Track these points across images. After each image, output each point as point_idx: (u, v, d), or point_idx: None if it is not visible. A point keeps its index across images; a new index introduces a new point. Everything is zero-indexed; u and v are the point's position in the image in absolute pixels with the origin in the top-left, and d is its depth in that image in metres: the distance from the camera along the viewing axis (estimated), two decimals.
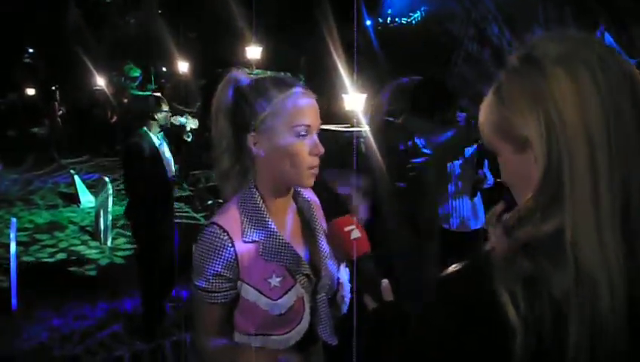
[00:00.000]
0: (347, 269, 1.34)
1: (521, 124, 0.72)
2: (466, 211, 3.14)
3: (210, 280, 1.20)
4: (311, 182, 1.25)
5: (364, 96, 4.58)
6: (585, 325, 0.66)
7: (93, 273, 5.20)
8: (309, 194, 1.41)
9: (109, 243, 5.88)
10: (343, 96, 4.96)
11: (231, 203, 1.28)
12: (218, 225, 1.21)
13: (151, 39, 12.40)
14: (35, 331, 3.85)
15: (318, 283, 1.28)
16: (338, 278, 1.35)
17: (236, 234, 1.21)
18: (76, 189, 7.59)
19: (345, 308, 1.37)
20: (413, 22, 11.21)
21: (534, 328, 0.65)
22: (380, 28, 11.76)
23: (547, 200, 0.70)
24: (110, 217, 5.97)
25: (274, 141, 1.21)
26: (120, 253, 5.67)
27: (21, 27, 14.01)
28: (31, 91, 14.60)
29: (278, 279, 1.21)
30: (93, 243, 5.98)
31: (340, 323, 1.35)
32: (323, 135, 1.29)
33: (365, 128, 3.17)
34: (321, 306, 1.27)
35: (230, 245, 1.19)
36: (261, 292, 1.20)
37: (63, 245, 5.95)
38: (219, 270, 1.19)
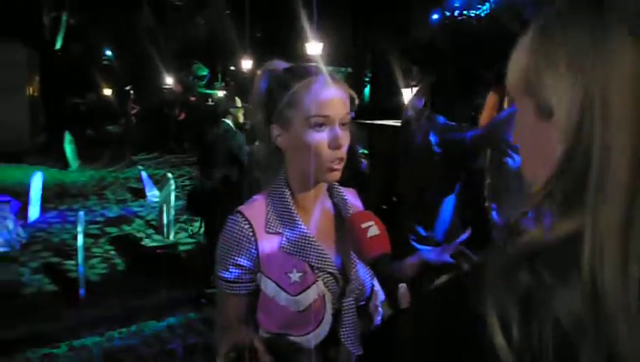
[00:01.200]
0: None
1: (551, 86, 0.55)
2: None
3: (231, 270, 1.16)
4: (333, 177, 1.17)
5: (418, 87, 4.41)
6: (600, 359, 0.50)
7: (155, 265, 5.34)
8: (350, 195, 1.33)
9: (171, 237, 6.03)
10: (403, 90, 4.80)
11: (260, 194, 1.24)
12: (241, 214, 1.17)
13: (218, 39, 12.71)
14: (98, 321, 3.98)
15: (347, 286, 1.19)
16: (372, 285, 1.25)
17: (259, 224, 1.16)
18: (143, 184, 7.87)
19: (378, 319, 1.26)
20: (482, 14, 10.79)
21: (529, 360, 0.51)
22: (447, 22, 11.43)
23: (564, 194, 0.54)
24: (173, 212, 6.13)
25: (292, 133, 1.16)
26: (182, 248, 5.80)
27: (99, 31, 14.80)
28: (108, 91, 15.38)
29: (299, 274, 1.15)
30: (156, 237, 6.16)
31: (369, 334, 1.24)
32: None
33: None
34: (348, 311, 1.18)
35: (252, 234, 1.15)
36: (280, 287, 1.15)
37: (129, 238, 6.17)
38: (239, 260, 1.15)
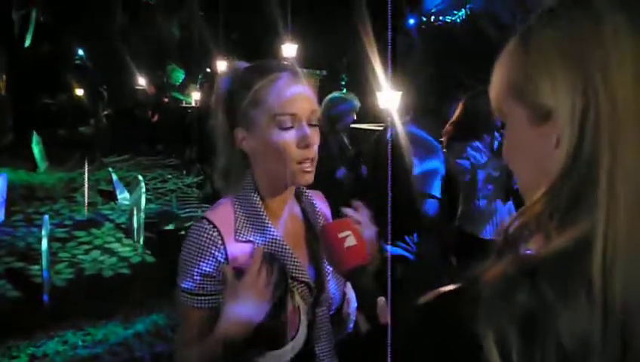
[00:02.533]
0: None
1: (546, 88, 0.52)
2: (500, 217, 2.90)
3: (197, 281, 1.06)
4: (305, 178, 1.09)
5: (399, 93, 4.40)
6: None
7: (125, 271, 5.21)
8: (317, 198, 1.26)
9: (141, 241, 5.89)
10: (377, 93, 4.78)
11: (225, 198, 1.16)
12: (208, 220, 1.09)
13: (193, 40, 12.56)
14: (63, 327, 3.83)
15: (320, 295, 1.13)
16: (344, 292, 1.20)
17: (228, 231, 1.08)
18: (114, 187, 7.70)
19: (350, 327, 1.21)
20: (458, 20, 10.90)
21: None
22: (423, 27, 11.51)
23: (569, 200, 0.49)
24: (143, 215, 5.98)
25: (257, 135, 1.08)
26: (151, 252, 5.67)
27: (70, 30, 14.48)
28: (79, 92, 15.06)
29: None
30: (126, 241, 6.01)
31: (342, 343, 1.18)
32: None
33: (398, 127, 3.01)
34: (322, 321, 1.12)
35: (220, 243, 1.07)
36: None
37: (97, 242, 6.01)
38: (206, 270, 1.06)
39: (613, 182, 0.48)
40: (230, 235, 1.08)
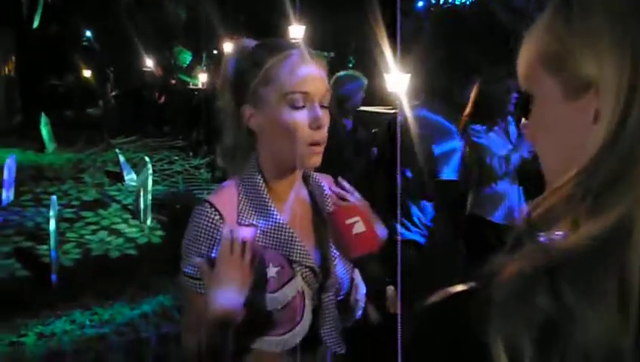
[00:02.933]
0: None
1: (589, 57, 0.46)
2: (510, 202, 2.87)
3: (198, 264, 1.05)
4: (314, 160, 1.07)
5: (408, 76, 4.34)
6: None
7: (132, 251, 5.24)
8: (326, 181, 1.24)
9: (148, 222, 5.91)
10: (385, 76, 4.72)
11: (229, 181, 1.14)
12: (210, 203, 1.08)
13: (200, 21, 12.47)
14: (70, 307, 3.87)
15: (326, 280, 1.11)
16: (352, 278, 1.18)
17: (230, 214, 1.07)
18: (121, 168, 7.72)
19: (358, 314, 1.19)
20: (468, 2, 10.73)
21: None
22: (432, 9, 11.35)
23: (605, 182, 0.43)
24: (150, 197, 6.00)
25: (267, 113, 1.06)
26: (158, 233, 5.70)
27: (78, 10, 14.41)
28: (87, 73, 15.03)
29: (276, 269, 1.06)
30: (133, 222, 6.04)
31: (350, 330, 1.17)
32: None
33: (407, 110, 2.97)
34: (328, 307, 1.11)
35: (222, 225, 1.05)
36: (255, 283, 1.04)
37: (105, 223, 6.04)
38: (207, 253, 1.05)
39: None
40: (233, 219, 1.07)
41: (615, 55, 0.45)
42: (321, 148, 1.07)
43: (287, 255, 1.07)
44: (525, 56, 0.53)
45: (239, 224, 1.07)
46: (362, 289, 1.18)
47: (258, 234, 1.05)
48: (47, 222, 5.33)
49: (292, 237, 1.08)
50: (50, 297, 4.06)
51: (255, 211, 1.09)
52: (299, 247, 1.08)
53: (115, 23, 13.73)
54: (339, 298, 1.15)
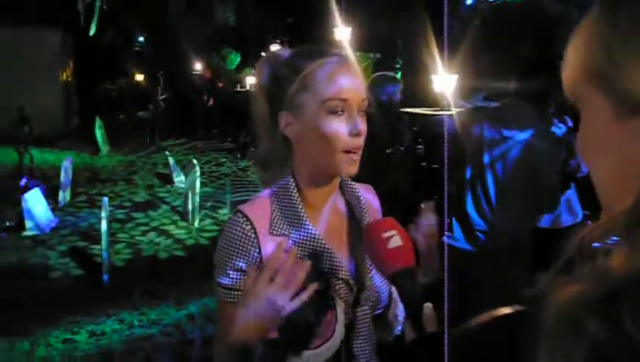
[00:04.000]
0: None
1: (637, 72, 0.42)
2: (561, 208, 2.72)
3: (230, 276, 1.04)
4: (352, 169, 1.04)
5: (455, 77, 4.24)
6: None
7: (180, 253, 5.34)
8: (365, 191, 1.21)
9: (196, 223, 6.02)
10: (432, 77, 4.63)
11: (264, 191, 1.13)
12: (242, 213, 1.06)
13: (248, 24, 12.65)
14: (120, 306, 3.98)
15: (361, 294, 1.08)
16: (390, 292, 1.14)
17: (263, 225, 1.05)
18: (171, 170, 7.90)
19: (397, 330, 1.15)
20: None
21: None
22: (480, 6, 11.08)
23: None
24: (198, 198, 6.11)
25: (305, 120, 1.04)
26: (206, 234, 5.79)
27: (130, 17, 14.91)
28: (139, 77, 15.52)
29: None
30: (181, 223, 6.16)
31: (387, 345, 1.12)
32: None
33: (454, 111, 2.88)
34: (363, 321, 1.07)
35: (254, 236, 1.04)
36: None
37: (154, 224, 6.19)
38: (239, 264, 1.04)
39: None
40: (265, 230, 1.05)
41: None
42: (358, 156, 1.05)
43: (320, 267, 1.04)
44: (569, 65, 0.48)
45: (271, 234, 1.05)
46: (400, 305, 1.13)
47: (290, 245, 1.04)
48: (100, 223, 5.52)
49: (324, 248, 1.06)
50: (101, 296, 4.18)
51: (287, 222, 1.07)
52: (332, 259, 1.06)
53: (165, 28, 14.12)
54: (376, 312, 1.11)
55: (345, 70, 1.04)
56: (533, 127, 2.37)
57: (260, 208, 1.08)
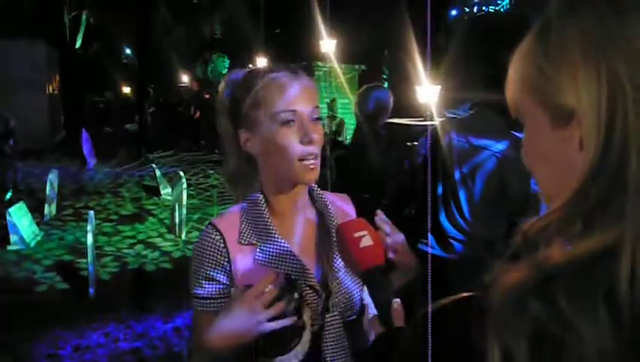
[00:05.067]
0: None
1: (567, 86, 0.48)
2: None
3: (204, 285, 1.10)
4: (309, 176, 1.09)
5: (438, 87, 4.30)
6: None
7: (167, 265, 5.32)
8: (339, 201, 1.25)
9: (183, 236, 6.00)
10: (416, 88, 4.69)
11: (235, 206, 1.18)
12: (212, 226, 1.13)
13: (235, 37, 12.71)
14: (106, 320, 3.95)
15: (330, 299, 1.11)
16: (362, 298, 1.17)
17: (231, 235, 1.11)
18: (157, 182, 7.88)
19: (372, 336, 1.18)
20: (502, 9, 10.59)
21: None
22: (465, 17, 11.24)
23: (594, 206, 0.46)
24: (185, 211, 6.10)
25: (260, 134, 1.10)
26: (192, 246, 5.77)
27: (118, 29, 14.93)
28: (126, 90, 15.51)
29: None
30: (169, 236, 6.14)
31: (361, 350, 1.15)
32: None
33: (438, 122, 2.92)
34: (333, 327, 1.10)
35: (222, 245, 1.09)
36: None
37: (141, 236, 6.17)
38: (210, 273, 1.09)
39: None
40: (234, 238, 1.10)
41: (591, 86, 0.46)
42: (315, 163, 1.09)
43: (287, 272, 1.08)
44: (511, 82, 0.55)
45: (240, 243, 1.10)
46: (372, 310, 1.16)
47: (258, 253, 1.09)
48: (86, 236, 5.48)
49: (290, 255, 1.10)
50: (87, 310, 4.16)
51: (255, 231, 1.12)
52: (297, 265, 1.09)
53: (152, 40, 14.14)
54: (349, 319, 1.14)
55: (293, 82, 1.09)
56: (503, 136, 2.43)
57: (230, 219, 1.13)
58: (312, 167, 1.08)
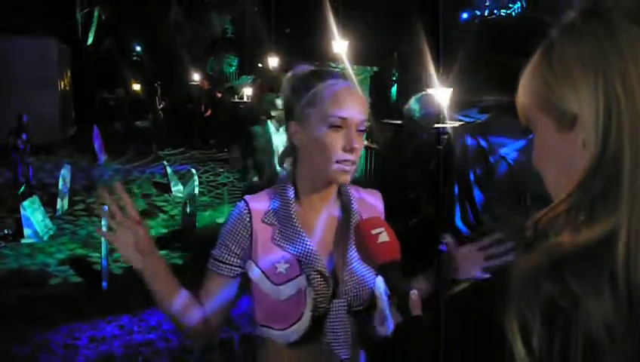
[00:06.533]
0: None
1: (570, 96, 0.57)
2: None
3: (222, 250, 1.23)
4: (343, 178, 1.20)
5: (450, 90, 4.35)
6: None
7: (178, 261, 5.40)
8: (369, 196, 1.34)
9: None
10: (429, 90, 4.74)
11: (268, 189, 1.30)
12: (245, 202, 1.25)
13: (246, 35, 12.78)
14: (120, 313, 4.03)
15: (338, 287, 1.20)
16: (373, 292, 1.24)
17: (258, 214, 1.23)
18: (168, 179, 7.96)
19: (384, 330, 1.24)
20: (513, 13, 10.61)
21: None
22: (476, 20, 11.27)
23: (595, 198, 0.54)
24: (196, 207, 6.16)
25: (309, 130, 1.21)
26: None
27: (129, 27, 15.04)
28: (136, 87, 15.62)
29: (286, 266, 1.19)
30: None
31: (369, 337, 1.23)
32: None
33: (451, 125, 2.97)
34: (338, 313, 1.20)
35: (248, 221, 1.22)
36: (265, 275, 1.20)
37: (152, 233, 6.24)
38: (230, 241, 1.22)
39: (636, 180, 0.52)
40: (259, 217, 1.22)
41: (590, 95, 0.55)
42: (350, 168, 1.19)
43: (297, 255, 1.19)
44: (522, 95, 0.64)
45: (263, 222, 1.22)
46: (386, 304, 1.23)
47: (276, 234, 1.21)
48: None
49: (304, 241, 1.20)
50: (100, 303, 4.24)
51: (278, 214, 1.23)
52: (309, 250, 1.19)
53: (163, 39, 14.23)
54: (356, 308, 1.22)
55: (347, 93, 1.19)
56: (518, 139, 2.47)
57: (261, 200, 1.26)
58: (346, 169, 1.18)
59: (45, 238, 5.90)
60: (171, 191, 7.85)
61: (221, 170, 9.79)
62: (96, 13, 16.12)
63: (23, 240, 5.77)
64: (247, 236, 1.21)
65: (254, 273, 1.21)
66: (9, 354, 3.47)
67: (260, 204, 1.24)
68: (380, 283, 1.23)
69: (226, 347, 3.44)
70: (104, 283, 4.51)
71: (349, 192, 1.30)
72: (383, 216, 1.32)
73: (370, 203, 1.33)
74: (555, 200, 0.59)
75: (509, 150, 2.45)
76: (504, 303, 0.53)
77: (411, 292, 0.93)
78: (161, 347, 3.57)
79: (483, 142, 2.47)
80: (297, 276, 1.18)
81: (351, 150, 1.17)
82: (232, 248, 1.22)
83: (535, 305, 0.52)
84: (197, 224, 6.20)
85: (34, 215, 5.93)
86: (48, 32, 12.96)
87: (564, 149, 0.59)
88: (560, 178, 0.60)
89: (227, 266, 1.22)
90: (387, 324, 1.23)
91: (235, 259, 1.22)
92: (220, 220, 6.68)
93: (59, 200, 6.96)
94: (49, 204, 6.83)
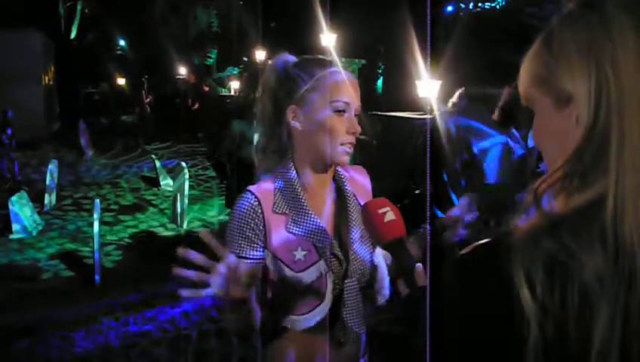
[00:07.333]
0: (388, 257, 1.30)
1: (566, 76, 0.65)
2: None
3: (241, 245, 1.21)
4: (345, 159, 1.26)
5: (439, 82, 4.42)
6: (618, 313, 0.58)
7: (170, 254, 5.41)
8: (358, 175, 1.40)
9: (184, 226, 6.09)
10: (417, 82, 4.80)
11: (267, 176, 1.32)
12: (251, 192, 1.25)
13: (232, 29, 12.73)
14: (114, 306, 4.05)
15: (349, 267, 1.26)
16: (375, 266, 1.32)
17: (267, 203, 1.23)
18: (157, 173, 7.94)
19: (382, 300, 1.35)
20: (497, 6, 10.70)
21: (553, 315, 0.59)
22: (461, 14, 11.35)
23: (586, 166, 0.62)
24: (186, 201, 6.18)
25: (312, 115, 1.25)
26: (195, 236, 5.86)
27: (113, 20, 14.88)
28: (121, 81, 15.47)
29: (304, 253, 1.22)
30: (170, 226, 6.22)
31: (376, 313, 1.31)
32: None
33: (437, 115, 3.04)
34: (351, 291, 1.26)
35: (260, 211, 1.22)
36: (284, 263, 1.21)
37: (142, 226, 6.25)
38: (248, 234, 1.21)
39: (622, 151, 0.60)
40: (269, 206, 1.23)
41: (584, 76, 0.63)
42: (351, 150, 1.26)
43: (314, 242, 1.22)
44: (523, 78, 0.72)
45: (273, 212, 1.23)
46: (386, 277, 1.32)
47: (289, 223, 1.22)
48: (88, 226, 5.57)
49: (318, 225, 1.24)
50: (94, 296, 4.25)
51: (287, 202, 1.24)
52: (325, 236, 1.24)
53: (148, 32, 14.12)
54: (364, 283, 1.29)
55: (347, 78, 1.27)
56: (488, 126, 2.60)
57: (265, 189, 1.26)
58: (348, 151, 1.25)
59: (34, 234, 5.88)
60: (160, 185, 7.84)
61: (209, 163, 9.78)
62: (79, 7, 15.92)
63: (12, 236, 5.74)
64: (262, 227, 1.21)
65: (272, 263, 1.22)
66: (7, 348, 3.48)
67: (266, 193, 1.24)
68: (377, 255, 1.31)
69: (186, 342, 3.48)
70: (97, 277, 4.52)
71: (341, 173, 1.35)
72: (369, 192, 1.39)
73: (360, 181, 1.39)
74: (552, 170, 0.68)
75: (479, 137, 2.57)
76: (510, 259, 0.61)
77: (417, 265, 0.99)
78: (158, 337, 3.60)
79: (454, 128, 2.59)
80: (316, 261, 1.22)
81: (354, 132, 1.24)
82: (252, 238, 1.21)
83: (537, 259, 0.60)
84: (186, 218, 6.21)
85: (22, 210, 5.90)
86: (31, 25, 12.77)
87: (561, 125, 0.67)
88: (556, 152, 0.68)
89: (251, 261, 1.20)
90: (384, 292, 1.32)
91: (257, 252, 1.21)
92: (211, 213, 6.71)
93: (46, 195, 6.91)
94: (36, 199, 6.78)
